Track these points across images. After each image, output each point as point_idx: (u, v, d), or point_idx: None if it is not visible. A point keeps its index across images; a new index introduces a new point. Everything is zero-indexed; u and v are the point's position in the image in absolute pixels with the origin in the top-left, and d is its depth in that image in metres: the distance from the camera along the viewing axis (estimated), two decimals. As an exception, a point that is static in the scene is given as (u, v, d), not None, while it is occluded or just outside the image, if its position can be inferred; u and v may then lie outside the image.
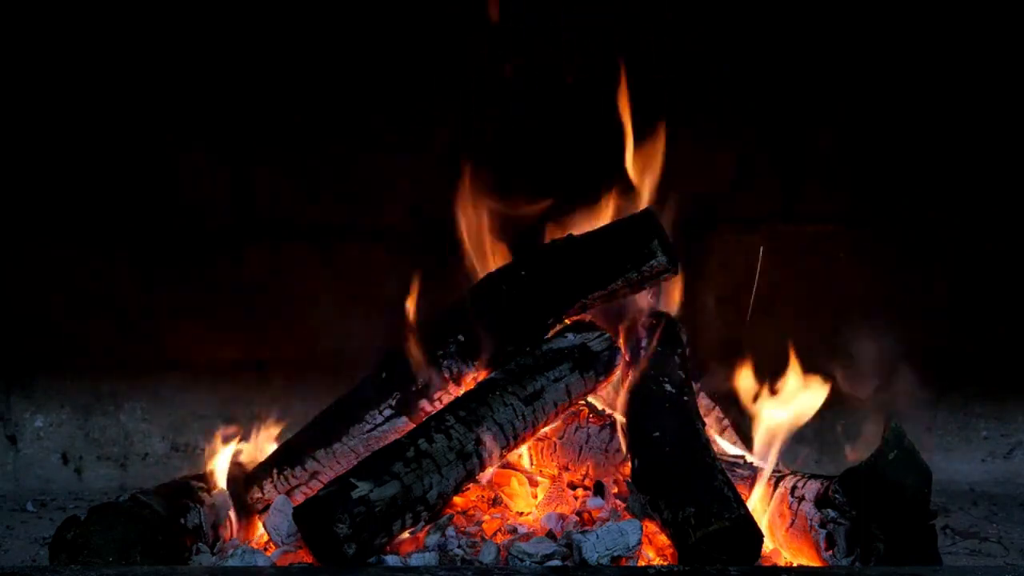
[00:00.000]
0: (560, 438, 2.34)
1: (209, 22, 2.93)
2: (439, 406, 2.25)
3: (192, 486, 2.17)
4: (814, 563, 1.97)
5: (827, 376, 2.41)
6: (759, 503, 2.11)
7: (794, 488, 2.06)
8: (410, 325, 2.35)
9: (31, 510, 2.77)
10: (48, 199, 3.00)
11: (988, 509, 2.77)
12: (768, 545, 2.06)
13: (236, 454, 2.34)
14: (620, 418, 2.30)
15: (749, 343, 2.67)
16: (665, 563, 1.99)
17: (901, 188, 3.04)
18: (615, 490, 2.24)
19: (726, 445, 2.43)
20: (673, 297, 2.56)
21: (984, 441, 3.10)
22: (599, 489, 2.25)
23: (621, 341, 2.41)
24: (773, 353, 2.54)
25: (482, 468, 2.13)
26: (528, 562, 1.93)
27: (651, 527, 2.03)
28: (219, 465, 2.27)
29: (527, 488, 2.29)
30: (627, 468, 2.18)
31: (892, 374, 3.04)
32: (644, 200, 2.50)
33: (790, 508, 2.04)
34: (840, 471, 1.98)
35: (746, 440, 2.44)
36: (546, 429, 2.30)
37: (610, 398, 2.42)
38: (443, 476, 2.03)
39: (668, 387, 2.25)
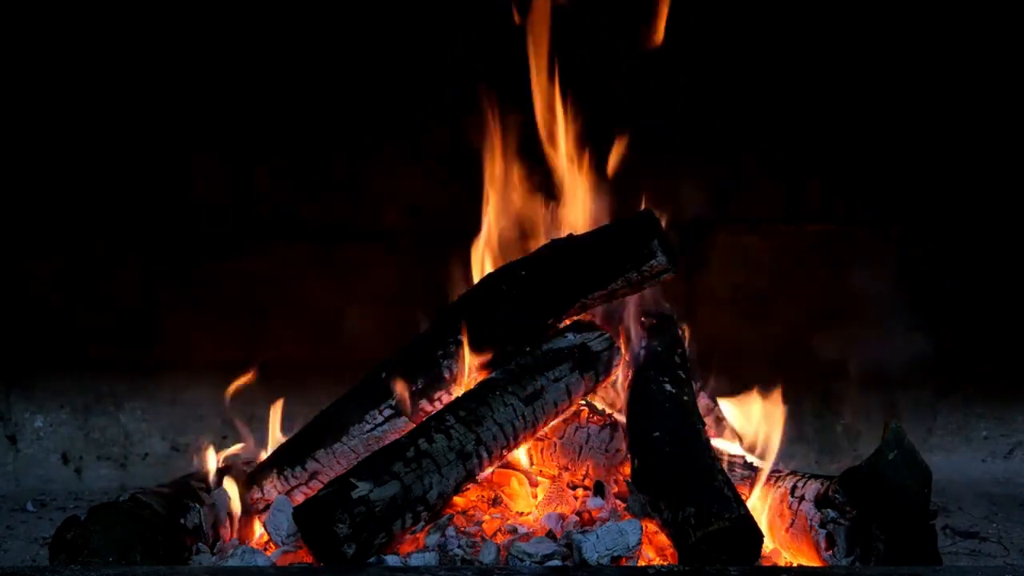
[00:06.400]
0: (560, 438, 2.34)
1: (211, 24, 2.93)
2: (439, 406, 2.25)
3: (192, 486, 2.17)
4: (814, 563, 1.97)
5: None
6: (759, 503, 2.11)
7: (794, 488, 2.06)
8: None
9: (31, 510, 2.77)
10: (49, 199, 3.00)
11: (988, 509, 2.77)
12: (768, 545, 2.06)
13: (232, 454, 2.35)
14: (620, 418, 2.30)
15: (749, 342, 2.68)
16: (665, 563, 1.99)
17: (902, 189, 3.05)
18: (615, 490, 2.24)
19: (726, 445, 2.43)
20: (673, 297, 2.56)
21: (984, 441, 3.11)
22: (599, 489, 2.25)
23: (621, 341, 2.41)
24: (773, 353, 2.54)
25: (482, 468, 2.13)
26: (528, 562, 1.93)
27: (651, 527, 2.03)
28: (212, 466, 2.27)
29: (527, 488, 2.29)
30: (627, 468, 2.18)
31: (893, 374, 3.05)
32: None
33: (790, 508, 2.04)
34: (840, 471, 1.98)
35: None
36: (546, 429, 2.30)
37: (610, 398, 2.42)
38: (443, 476, 2.03)
39: (668, 387, 2.25)
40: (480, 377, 2.28)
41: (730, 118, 3.01)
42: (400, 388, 2.26)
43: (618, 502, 2.19)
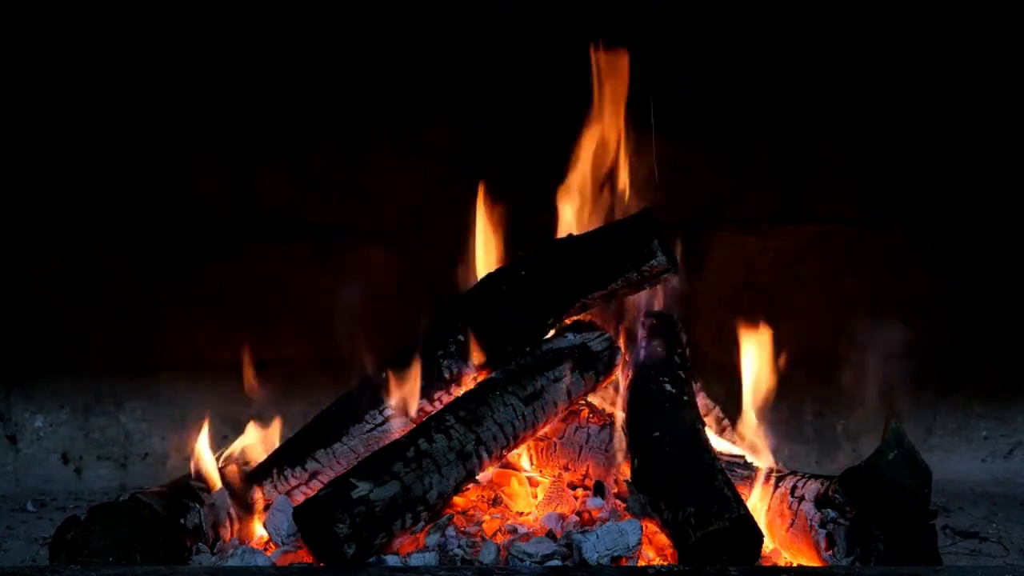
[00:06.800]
0: (560, 438, 2.34)
1: (211, 24, 2.93)
2: (439, 406, 2.25)
3: (192, 486, 2.17)
4: (814, 563, 1.97)
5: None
6: (759, 503, 2.11)
7: (794, 488, 2.06)
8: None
9: (31, 510, 2.77)
10: (49, 199, 3.00)
11: (988, 509, 2.77)
12: (768, 545, 2.06)
13: (232, 454, 2.34)
14: (620, 418, 2.30)
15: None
16: (665, 563, 1.99)
17: (902, 189, 3.04)
18: (615, 490, 2.24)
19: (726, 445, 2.43)
20: (673, 297, 2.56)
21: (984, 441, 3.10)
22: (599, 489, 2.25)
23: (621, 341, 2.41)
24: (772, 353, 2.54)
25: (482, 468, 2.13)
26: (528, 562, 1.93)
27: (651, 527, 2.03)
28: (210, 463, 2.26)
29: (527, 488, 2.29)
30: (627, 468, 2.18)
31: (893, 374, 3.04)
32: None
33: (790, 508, 2.04)
34: (840, 471, 1.98)
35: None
36: (546, 429, 2.30)
37: (610, 398, 2.42)
38: (443, 476, 2.03)
39: (668, 387, 2.25)
40: (480, 377, 2.28)
41: (730, 118, 3.00)
42: (400, 387, 2.26)
43: (618, 502, 2.19)
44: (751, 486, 2.15)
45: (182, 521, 2.05)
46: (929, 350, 3.07)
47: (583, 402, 2.35)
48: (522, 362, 2.24)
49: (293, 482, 2.25)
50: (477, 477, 2.15)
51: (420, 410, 2.27)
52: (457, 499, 2.16)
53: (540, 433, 2.29)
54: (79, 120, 2.97)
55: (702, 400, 2.47)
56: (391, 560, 1.95)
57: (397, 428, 2.25)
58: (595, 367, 2.29)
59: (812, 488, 2.02)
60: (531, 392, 2.19)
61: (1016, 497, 2.90)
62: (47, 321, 3.02)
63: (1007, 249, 3.05)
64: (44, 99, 2.96)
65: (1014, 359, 3.07)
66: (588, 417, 2.34)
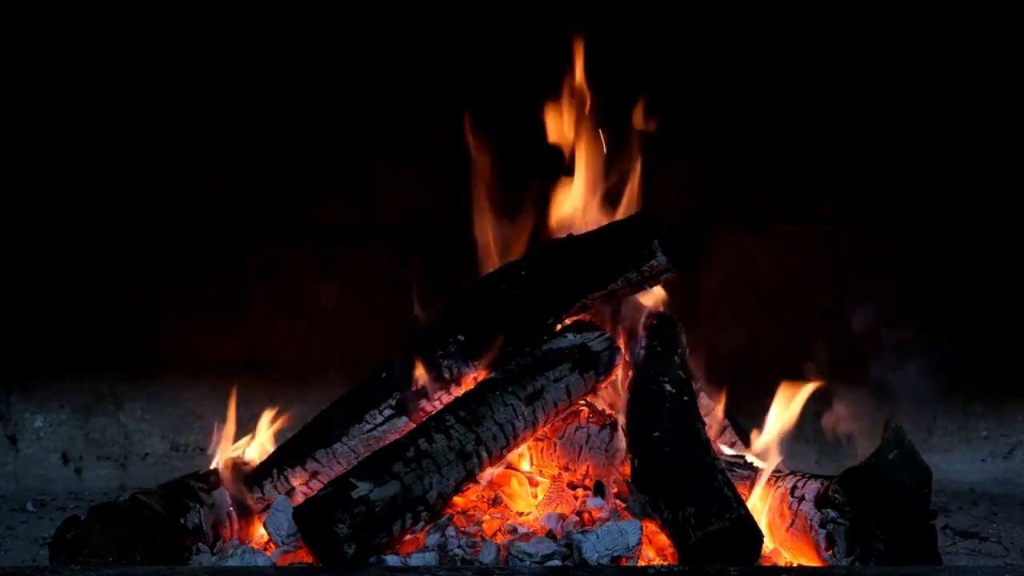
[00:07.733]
0: (560, 438, 2.34)
1: (212, 24, 2.93)
2: (439, 406, 2.25)
3: (192, 486, 2.17)
4: (814, 563, 1.97)
5: (815, 375, 2.40)
6: (759, 503, 2.11)
7: (794, 488, 2.06)
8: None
9: (31, 510, 2.77)
10: (48, 199, 3.00)
11: (988, 509, 2.77)
12: (768, 545, 2.06)
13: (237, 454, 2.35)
14: (620, 418, 2.30)
15: (748, 342, 2.68)
16: (665, 563, 1.99)
17: (902, 189, 3.04)
18: (615, 490, 2.24)
19: (726, 445, 2.43)
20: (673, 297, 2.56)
21: (984, 441, 3.10)
22: (599, 489, 2.25)
23: (621, 341, 2.41)
24: (772, 352, 2.54)
25: (482, 468, 2.13)
26: (528, 562, 1.93)
27: (651, 527, 2.03)
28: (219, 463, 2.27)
29: (527, 488, 2.29)
30: (627, 468, 2.18)
31: (893, 374, 3.04)
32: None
33: (790, 508, 2.04)
34: (840, 471, 1.98)
35: (744, 439, 2.45)
36: (546, 429, 2.30)
37: (610, 398, 2.42)
38: (443, 476, 2.03)
39: (668, 387, 2.25)
40: (480, 377, 2.28)
41: (730, 118, 3.00)
42: (400, 387, 2.26)
43: (618, 502, 2.19)
44: (751, 486, 2.15)
45: (182, 521, 2.05)
46: (929, 350, 3.07)
47: (583, 402, 2.35)
48: (522, 362, 2.25)
49: (293, 482, 2.25)
50: (477, 477, 2.15)
51: (420, 410, 2.27)
52: (457, 499, 2.16)
53: (540, 433, 2.29)
54: (79, 120, 2.97)
55: (702, 400, 2.47)
56: (391, 560, 1.95)
57: (397, 428, 2.25)
58: (595, 367, 2.29)
59: (812, 488, 2.02)
60: (531, 392, 2.19)
61: (1016, 497, 2.90)
62: (47, 321, 3.02)
63: (1007, 249, 3.05)
64: (44, 100, 2.96)
65: (1014, 359, 3.07)
66: (588, 417, 2.34)
